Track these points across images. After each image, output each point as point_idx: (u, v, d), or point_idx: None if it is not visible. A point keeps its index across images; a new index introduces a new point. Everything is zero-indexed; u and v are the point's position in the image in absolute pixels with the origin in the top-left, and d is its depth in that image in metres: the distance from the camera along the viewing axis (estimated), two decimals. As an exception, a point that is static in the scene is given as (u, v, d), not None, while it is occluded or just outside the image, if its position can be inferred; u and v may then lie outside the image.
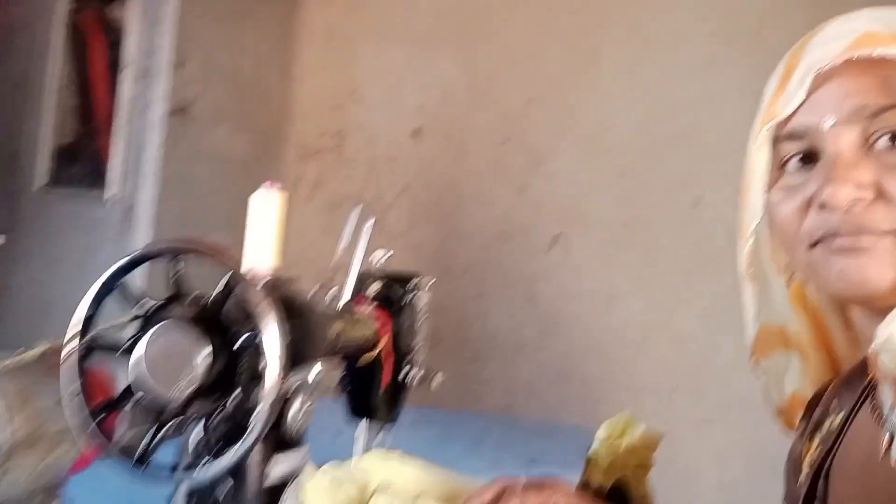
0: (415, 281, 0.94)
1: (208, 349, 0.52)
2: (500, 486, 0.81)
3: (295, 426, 0.58)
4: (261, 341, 0.51)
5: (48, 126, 2.16)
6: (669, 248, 2.15)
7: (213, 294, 0.54)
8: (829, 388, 0.83)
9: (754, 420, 2.06)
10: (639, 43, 2.23)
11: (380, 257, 0.96)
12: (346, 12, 2.56)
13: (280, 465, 0.60)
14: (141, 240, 2.03)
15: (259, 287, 0.52)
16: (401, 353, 0.91)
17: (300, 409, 0.58)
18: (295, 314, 0.60)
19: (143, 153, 2.04)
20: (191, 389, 0.52)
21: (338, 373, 0.94)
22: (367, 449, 0.97)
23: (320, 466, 0.84)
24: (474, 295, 2.35)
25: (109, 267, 0.54)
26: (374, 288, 0.91)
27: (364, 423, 0.97)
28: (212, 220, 2.30)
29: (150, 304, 0.54)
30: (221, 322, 0.54)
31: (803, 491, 0.76)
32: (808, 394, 0.85)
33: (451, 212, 2.39)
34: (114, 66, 2.12)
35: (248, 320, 0.53)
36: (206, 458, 0.53)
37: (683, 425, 2.11)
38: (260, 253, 0.62)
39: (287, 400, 0.58)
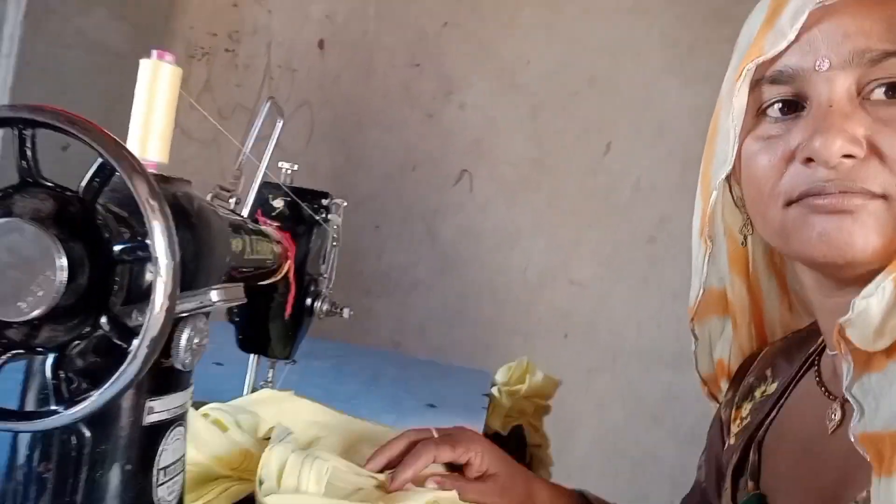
0: (326, 200, 0.81)
1: (65, 259, 0.38)
2: (412, 439, 0.74)
3: (183, 361, 0.46)
4: (146, 252, 0.38)
5: None
6: (575, 194, 2.11)
7: (82, 184, 0.40)
8: (760, 356, 0.79)
9: (638, 371, 2.10)
10: (565, -22, 2.13)
11: (285, 169, 0.82)
12: None
13: (159, 409, 0.47)
14: (-7, 130, 1.76)
15: (149, 179, 0.38)
16: (306, 281, 0.79)
17: (189, 340, 0.45)
18: (188, 222, 0.47)
19: (3, 28, 1.75)
20: (40, 311, 0.38)
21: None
22: (255, 387, 0.85)
23: (203, 405, 0.72)
24: (371, 226, 2.22)
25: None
26: (279, 203, 0.77)
27: (253, 357, 0.85)
28: (82, 113, 2.04)
29: (-12, 189, 0.39)
30: (90, 224, 0.40)
31: (734, 460, 0.71)
32: (733, 362, 0.82)
33: (352, 134, 2.24)
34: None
35: (127, 223, 0.40)
36: (59, 401, 0.39)
37: (572, 372, 2.10)
38: (146, 140, 0.47)
39: (178, 327, 0.45)
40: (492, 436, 1.29)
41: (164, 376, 0.47)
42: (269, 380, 0.84)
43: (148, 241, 0.38)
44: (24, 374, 0.45)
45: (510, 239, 2.15)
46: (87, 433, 0.44)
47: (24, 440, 0.45)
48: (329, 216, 0.82)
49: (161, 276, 0.38)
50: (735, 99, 0.61)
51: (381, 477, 0.70)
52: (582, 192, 2.10)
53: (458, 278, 2.18)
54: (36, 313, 0.38)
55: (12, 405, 0.43)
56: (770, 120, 0.60)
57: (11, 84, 1.76)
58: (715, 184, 0.66)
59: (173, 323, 0.45)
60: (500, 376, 1.36)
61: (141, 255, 0.39)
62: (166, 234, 0.38)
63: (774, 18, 0.59)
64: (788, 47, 0.58)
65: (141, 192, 0.37)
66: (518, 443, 1.33)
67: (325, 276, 0.83)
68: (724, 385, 0.82)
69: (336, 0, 2.23)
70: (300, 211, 0.78)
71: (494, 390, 1.30)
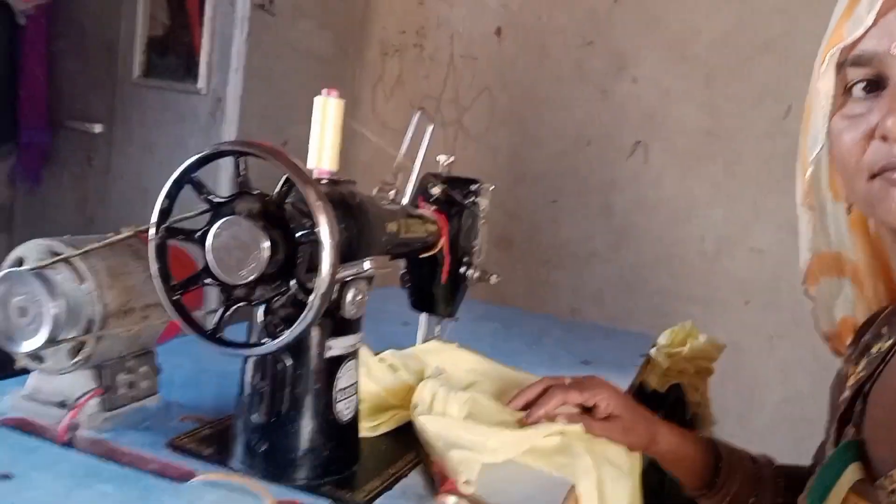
0: (475, 186, 0.97)
1: (268, 242, 0.57)
2: (546, 384, 0.87)
3: (349, 312, 0.64)
4: (316, 236, 0.56)
5: (142, 19, 2.23)
6: (753, 160, 2.09)
7: (275, 192, 0.59)
8: (881, 315, 0.83)
9: (823, 338, 2.05)
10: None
11: (443, 161, 0.99)
12: None
13: (336, 346, 0.66)
14: (228, 131, 2.11)
15: (315, 187, 0.56)
16: (458, 253, 0.96)
17: (353, 297, 0.64)
18: (350, 212, 0.65)
19: (230, 47, 2.09)
20: (253, 276, 0.58)
21: (399, 268, 1.00)
22: (426, 339, 1.03)
23: (382, 352, 0.91)
24: (548, 201, 2.35)
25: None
26: (436, 190, 0.95)
27: (424, 315, 1.04)
28: (295, 114, 2.36)
29: (218, 198, 0.60)
30: (282, 218, 0.59)
31: (841, 410, 0.77)
32: (860, 319, 0.86)
33: (529, 115, 2.37)
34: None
35: (306, 217, 0.58)
36: (267, 336, 0.59)
37: (753, 339, 2.11)
38: (320, 155, 0.66)
39: (342, 289, 0.63)
40: (649, 392, 1.39)
41: (338, 323, 0.66)
42: (437, 334, 1.03)
43: (317, 229, 0.56)
44: (248, 321, 0.66)
45: (686, 209, 2.18)
46: (290, 362, 0.64)
47: (249, 365, 0.66)
48: (477, 199, 0.97)
49: (325, 252, 0.56)
50: (820, 83, 0.68)
51: (520, 414, 0.85)
52: (760, 157, 2.08)
53: (634, 249, 2.25)
54: (251, 278, 0.58)
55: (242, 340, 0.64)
56: (855, 99, 0.66)
57: (241, 93, 2.10)
58: (809, 160, 0.73)
59: (340, 285, 0.63)
60: (662, 339, 1.45)
61: (314, 238, 0.57)
62: (328, 224, 0.56)
63: (853, 6, 0.65)
64: (866, 32, 0.64)
65: (310, 196, 0.56)
66: (676, 400, 1.41)
67: (476, 248, 0.99)
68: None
69: (511, -12, 2.37)
70: (453, 196, 0.95)
71: (653, 351, 1.39)
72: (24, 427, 0.70)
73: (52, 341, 0.68)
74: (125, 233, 0.71)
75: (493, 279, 0.99)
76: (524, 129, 2.39)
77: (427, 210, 0.92)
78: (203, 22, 2.12)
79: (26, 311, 0.68)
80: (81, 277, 0.70)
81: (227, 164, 0.59)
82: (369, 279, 0.68)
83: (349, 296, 0.63)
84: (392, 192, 0.82)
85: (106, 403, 0.73)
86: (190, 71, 2.15)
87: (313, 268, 0.58)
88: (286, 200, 0.59)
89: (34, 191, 2.45)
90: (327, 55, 2.43)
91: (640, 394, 1.35)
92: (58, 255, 0.70)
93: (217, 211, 0.60)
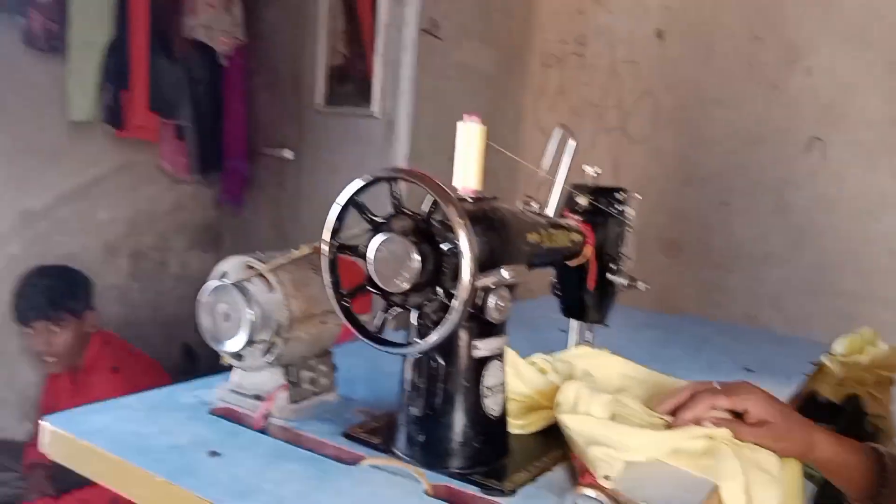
0: (621, 195, 1.00)
1: (418, 255, 0.65)
2: (694, 389, 0.89)
3: (492, 316, 0.71)
4: (458, 249, 0.64)
5: (324, 51, 2.45)
6: (949, 151, 1.91)
7: (423, 211, 0.67)
8: None
9: None
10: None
11: (590, 172, 1.03)
12: (589, -87, 2.52)
13: (482, 347, 0.73)
14: (400, 152, 2.27)
15: (456, 206, 0.64)
16: (605, 261, 0.99)
17: (495, 303, 0.71)
18: (491, 226, 0.72)
19: (399, 71, 2.25)
20: (406, 285, 0.66)
21: (550, 277, 1.05)
22: (577, 345, 1.08)
23: (531, 356, 0.97)
24: (719, 202, 2.29)
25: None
26: (582, 201, 0.99)
27: (575, 322, 1.08)
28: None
29: (378, 218, 0.69)
30: (430, 233, 0.67)
31: None
32: None
33: (695, 115, 2.32)
34: (373, -8, 2.33)
35: (451, 232, 0.66)
36: (419, 337, 0.68)
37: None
38: (464, 176, 0.74)
39: (485, 295, 0.70)
40: (823, 402, 1.33)
41: (483, 326, 0.73)
42: (588, 340, 1.06)
43: (458, 243, 0.64)
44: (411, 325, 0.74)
45: (873, 205, 2.03)
46: (442, 361, 0.72)
47: (408, 365, 0.75)
48: (623, 208, 1.00)
49: (465, 262, 0.63)
50: None
51: (668, 418, 0.87)
52: (957, 147, 1.90)
53: (815, 249, 2.13)
54: (405, 287, 0.66)
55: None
56: None
57: (410, 115, 2.25)
58: None
59: (483, 292, 0.70)
60: (837, 346, 1.38)
61: (457, 250, 0.65)
62: (468, 238, 0.63)
63: None
64: None
65: (452, 214, 0.63)
66: (855, 412, 1.34)
67: (624, 255, 1.02)
68: None
69: (673, -11, 2.34)
70: (598, 205, 0.99)
71: (825, 358, 1.33)
72: (229, 415, 0.84)
73: (249, 342, 0.81)
74: (305, 250, 0.82)
75: (642, 286, 1.01)
76: (691, 130, 2.34)
77: (572, 220, 0.97)
78: (375, 50, 2.29)
79: (229, 317, 0.82)
80: (272, 288, 0.82)
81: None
82: (511, 286, 0.74)
83: (491, 301, 0.70)
84: (535, 205, 0.87)
85: (292, 396, 0.85)
86: (365, 96, 2.33)
87: (455, 277, 0.66)
88: (434, 218, 0.67)
89: (236, 213, 2.76)
90: (491, 71, 2.52)
91: (812, 404, 1.29)
92: (253, 269, 0.83)
93: (376, 229, 0.69)
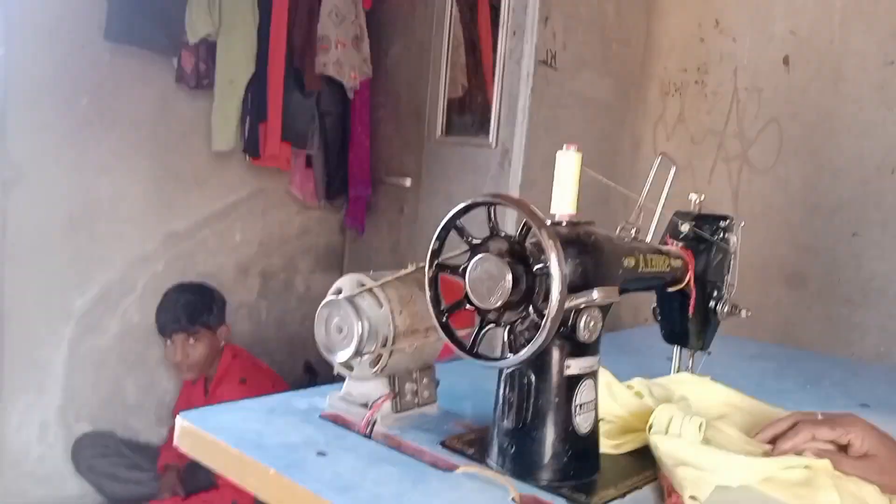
0: (724, 222, 1.00)
1: (510, 275, 0.70)
2: (796, 419, 0.87)
3: (583, 336, 0.74)
4: (548, 270, 0.68)
5: (445, 84, 2.56)
6: None
7: (516, 234, 0.71)
8: None
9: None
10: None
11: (694, 200, 1.04)
12: (711, -59, 2.50)
13: (574, 366, 0.76)
14: (514, 179, 2.32)
15: (547, 229, 0.68)
16: (707, 288, 1.00)
17: (586, 323, 0.73)
18: (585, 249, 0.75)
19: (517, 102, 2.31)
20: (500, 303, 0.71)
21: (651, 303, 1.06)
22: (679, 371, 1.08)
23: (630, 380, 0.99)
24: (848, 234, 2.18)
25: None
26: (684, 228, 1.00)
27: (677, 348, 1.08)
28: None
29: (475, 239, 0.74)
30: (523, 255, 0.71)
31: None
32: None
33: (823, 144, 2.24)
34: (494, 26, 2.42)
35: (542, 252, 0.70)
36: (510, 352, 0.72)
37: None
38: (560, 201, 0.77)
39: (577, 315, 0.74)
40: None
41: (575, 346, 0.76)
42: (689, 367, 1.06)
43: (549, 264, 0.68)
44: (502, 341, 0.79)
45: None
46: (534, 378, 0.76)
47: (503, 380, 0.79)
48: (726, 235, 1.00)
49: (555, 283, 0.67)
50: None
51: (766, 447, 0.86)
52: None
53: (957, 285, 1.99)
54: (498, 304, 0.71)
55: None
56: None
57: (525, 142, 2.30)
58: None
59: (575, 312, 0.73)
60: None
61: (547, 272, 0.68)
62: (558, 260, 0.67)
63: None
64: None
65: (542, 236, 0.67)
66: None
67: (729, 282, 1.01)
68: None
69: (799, 14, 2.28)
70: (701, 233, 0.99)
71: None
72: (337, 420, 0.90)
73: (357, 353, 0.88)
74: (410, 268, 0.89)
75: (744, 314, 1.00)
76: (818, 159, 2.25)
77: (673, 246, 0.98)
78: (494, 81, 2.37)
79: (341, 330, 0.89)
80: (380, 303, 0.89)
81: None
82: (603, 308, 0.77)
83: (582, 321, 0.73)
84: (633, 231, 0.90)
85: (396, 406, 0.91)
86: (483, 126, 2.41)
87: (546, 297, 0.69)
88: (527, 241, 0.72)
89: (358, 236, 2.90)
90: (608, 100, 2.54)
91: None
92: (364, 286, 0.90)
93: (474, 250, 0.74)
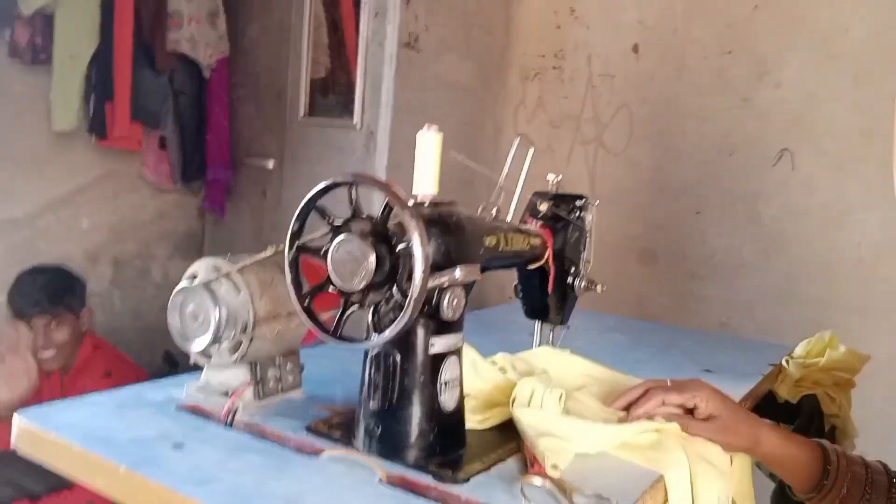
0: (580, 202, 1.04)
1: (374, 255, 0.69)
2: (647, 386, 0.93)
3: (447, 314, 0.74)
4: (410, 250, 0.67)
5: (307, 64, 2.49)
6: (913, 162, 1.97)
7: (378, 215, 0.71)
8: None
9: None
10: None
11: (552, 180, 1.08)
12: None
13: (438, 344, 0.76)
14: (380, 161, 2.31)
15: (410, 209, 0.67)
16: (565, 265, 1.03)
17: (449, 301, 0.74)
18: (447, 229, 0.76)
19: (381, 84, 2.29)
20: (364, 284, 0.70)
21: (513, 279, 1.09)
22: (540, 345, 1.12)
23: (493, 355, 1.01)
24: (692, 213, 2.34)
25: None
26: (543, 207, 1.03)
27: (538, 323, 1.12)
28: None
29: (337, 220, 0.73)
30: (386, 235, 0.71)
31: None
32: None
33: (669, 128, 2.38)
34: (356, 7, 2.38)
35: (404, 232, 0.69)
36: (376, 332, 0.71)
37: (915, 352, 1.97)
38: (422, 182, 0.77)
39: (440, 294, 0.74)
40: (781, 403, 1.37)
41: (439, 324, 0.76)
42: (550, 341, 1.10)
43: (411, 244, 0.67)
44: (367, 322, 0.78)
45: (839, 214, 2.09)
46: (399, 357, 0.76)
47: (368, 361, 0.78)
48: (582, 214, 1.04)
49: (417, 262, 0.67)
50: None
51: (621, 414, 0.91)
52: (921, 158, 1.95)
53: (785, 258, 2.18)
54: (362, 285, 0.70)
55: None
56: None
57: (390, 126, 2.29)
58: None
59: (438, 291, 0.74)
60: (798, 349, 1.43)
61: (410, 251, 0.68)
62: (420, 239, 0.67)
63: None
64: None
65: (405, 217, 0.67)
66: (813, 411, 1.38)
67: (585, 259, 1.06)
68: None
69: (647, 5, 2.40)
70: (558, 212, 1.03)
71: (783, 361, 1.37)
72: (196, 411, 0.86)
73: (215, 340, 0.84)
74: (269, 251, 0.86)
75: (600, 289, 1.05)
76: (665, 142, 2.39)
77: (532, 225, 1.01)
78: (357, 63, 2.33)
79: (197, 317, 0.85)
80: (238, 289, 0.86)
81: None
82: (466, 286, 0.78)
83: (445, 300, 0.74)
84: (494, 211, 0.91)
85: (258, 393, 0.88)
86: (347, 108, 2.37)
87: (409, 277, 0.69)
88: (390, 221, 0.71)
89: (219, 221, 2.79)
90: (471, 84, 2.57)
91: (770, 403, 1.34)
92: (220, 270, 0.86)
93: (335, 231, 0.73)
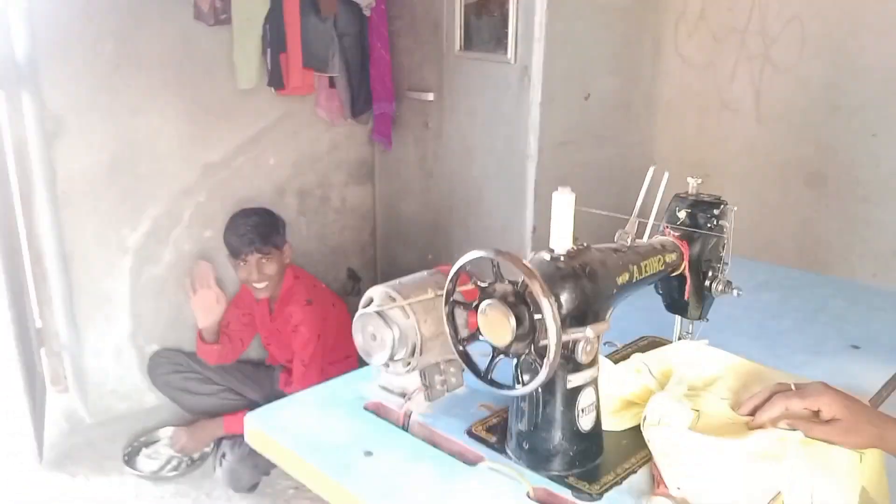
0: (718, 209, 1.09)
1: (514, 318, 0.82)
2: (773, 391, 1.00)
3: (581, 359, 0.86)
4: (545, 322, 0.79)
5: (460, -3, 2.53)
6: None
7: (519, 282, 0.83)
8: None
9: None
10: None
11: (692, 183, 1.12)
12: None
13: (574, 380, 0.89)
14: (534, 95, 2.34)
15: (541, 283, 0.79)
16: (702, 270, 1.10)
17: (583, 348, 0.86)
18: (579, 283, 0.86)
19: (533, 17, 2.29)
20: (508, 341, 0.83)
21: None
22: (680, 337, 1.20)
23: (632, 349, 1.11)
24: (868, 134, 2.20)
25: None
26: (681, 215, 1.09)
27: (678, 318, 1.20)
28: (597, 68, 2.51)
29: (482, 284, 0.86)
30: (524, 300, 0.83)
31: None
32: None
33: (845, 43, 2.21)
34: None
35: (537, 301, 0.81)
36: (520, 382, 0.85)
37: None
38: (559, 239, 0.87)
39: (574, 344, 0.86)
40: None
41: (575, 364, 0.88)
42: (689, 332, 1.18)
43: (543, 315, 0.79)
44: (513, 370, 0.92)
45: None
46: (541, 391, 0.89)
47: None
48: (720, 222, 1.09)
49: (551, 332, 0.79)
50: None
51: (748, 418, 1.00)
52: None
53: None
54: (504, 343, 0.83)
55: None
56: None
57: (543, 60, 2.31)
58: None
59: (572, 343, 0.86)
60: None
61: (545, 324, 0.80)
62: (550, 310, 0.78)
63: None
64: None
65: (535, 289, 0.78)
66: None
67: (723, 262, 1.11)
68: None
69: None
70: (696, 219, 1.08)
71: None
72: (379, 411, 1.06)
73: (390, 358, 1.02)
74: (430, 294, 1.01)
75: (736, 293, 1.11)
76: (840, 59, 2.23)
77: (669, 237, 1.07)
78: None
79: (375, 337, 1.03)
80: (406, 314, 1.02)
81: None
82: (591, 338, 0.89)
83: (579, 348, 0.86)
84: (629, 239, 0.99)
85: (427, 396, 1.06)
86: (501, 42, 2.41)
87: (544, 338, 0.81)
88: (528, 288, 0.83)
89: (386, 149, 2.98)
90: (626, 3, 2.49)
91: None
92: (393, 299, 1.03)
93: (483, 292, 0.86)
